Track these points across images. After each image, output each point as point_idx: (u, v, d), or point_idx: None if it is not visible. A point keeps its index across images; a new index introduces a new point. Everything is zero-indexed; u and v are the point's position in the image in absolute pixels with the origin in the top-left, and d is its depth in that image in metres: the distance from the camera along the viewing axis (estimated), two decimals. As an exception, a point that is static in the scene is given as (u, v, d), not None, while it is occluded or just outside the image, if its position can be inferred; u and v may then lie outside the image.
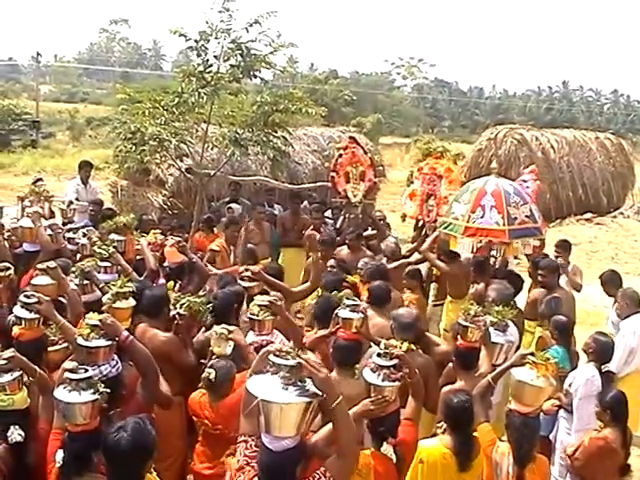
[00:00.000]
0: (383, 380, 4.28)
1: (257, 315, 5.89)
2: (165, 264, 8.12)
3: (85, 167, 12.59)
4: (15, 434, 4.25)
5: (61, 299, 6.29)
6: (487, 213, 8.40)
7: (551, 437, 6.79)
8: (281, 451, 3.34)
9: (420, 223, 10.70)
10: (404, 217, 11.22)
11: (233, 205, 12.27)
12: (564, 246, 10.00)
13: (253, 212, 11.53)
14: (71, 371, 4.05)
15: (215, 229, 10.86)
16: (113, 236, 8.46)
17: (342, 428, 3.57)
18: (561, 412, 6.71)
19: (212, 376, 5.17)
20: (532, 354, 5.04)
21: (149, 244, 8.26)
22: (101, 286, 6.78)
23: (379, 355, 4.38)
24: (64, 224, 9.57)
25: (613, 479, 5.50)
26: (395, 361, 4.36)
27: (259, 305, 5.93)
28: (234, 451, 5.03)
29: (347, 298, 6.19)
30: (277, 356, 3.50)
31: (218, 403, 5.23)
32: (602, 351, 6.56)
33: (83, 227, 9.21)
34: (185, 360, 5.86)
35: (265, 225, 11.36)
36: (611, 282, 8.77)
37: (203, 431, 5.39)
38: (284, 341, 5.93)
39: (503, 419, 5.03)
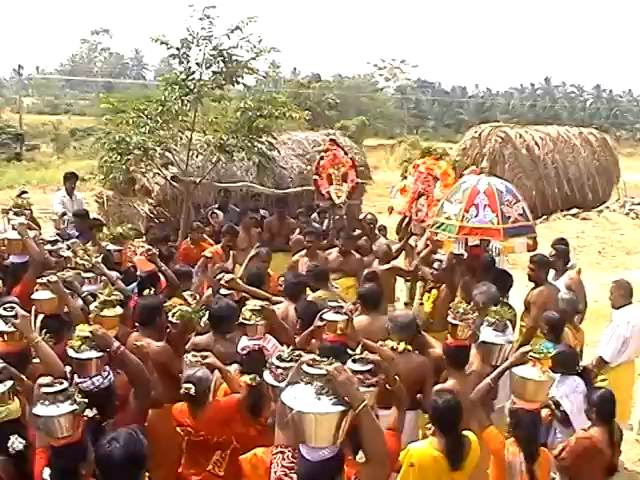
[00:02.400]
0: None
1: (249, 320, 5.83)
2: (137, 272, 8.15)
3: (70, 179, 12.53)
4: (16, 443, 4.24)
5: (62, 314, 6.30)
6: (481, 212, 8.37)
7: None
8: (319, 461, 3.30)
9: (406, 220, 10.66)
10: (391, 210, 11.22)
11: (217, 211, 12.29)
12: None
13: (243, 218, 11.50)
14: (46, 385, 4.00)
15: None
16: (110, 246, 8.50)
17: (369, 433, 3.51)
18: None
19: (192, 391, 5.17)
20: (532, 350, 5.06)
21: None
22: (84, 295, 6.79)
23: (354, 361, 4.26)
24: (57, 235, 9.52)
25: (599, 478, 5.50)
26: (370, 366, 4.23)
27: (251, 310, 5.89)
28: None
29: (330, 300, 6.19)
30: (310, 366, 3.46)
31: (199, 411, 5.26)
32: (566, 364, 6.46)
33: (67, 239, 9.19)
34: (178, 368, 5.81)
35: (253, 231, 11.35)
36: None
37: (187, 439, 5.41)
38: (277, 345, 5.94)
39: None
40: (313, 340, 6.15)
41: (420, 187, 10.43)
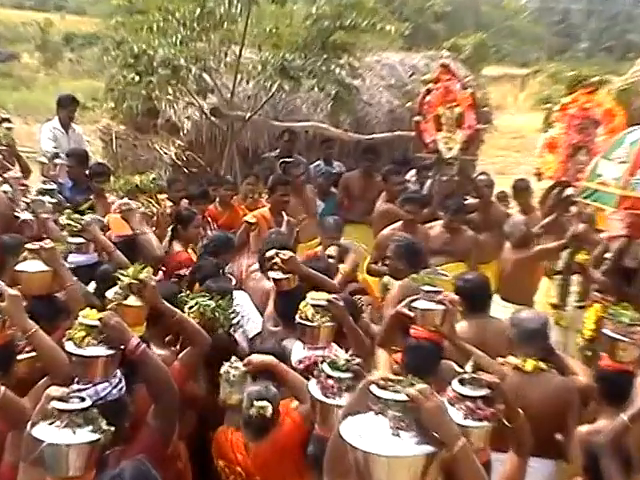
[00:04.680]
0: (465, 418, 4.01)
1: (311, 320, 5.73)
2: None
3: (68, 105, 12.46)
4: None
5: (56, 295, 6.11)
6: None
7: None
8: None
9: (557, 188, 10.49)
10: (539, 175, 11.14)
11: (299, 157, 12.40)
12: None
13: (292, 173, 11.19)
14: (60, 399, 3.79)
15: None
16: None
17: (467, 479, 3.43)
18: None
19: (269, 411, 5.10)
20: None
21: None
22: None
23: (462, 382, 4.11)
24: (44, 183, 9.59)
25: None
26: (486, 391, 4.07)
27: (313, 305, 5.77)
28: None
29: (428, 283, 5.90)
30: (382, 388, 3.33)
31: (257, 444, 5.23)
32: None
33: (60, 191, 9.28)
34: (191, 389, 5.74)
35: (308, 191, 11.32)
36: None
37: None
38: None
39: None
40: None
41: (575, 138, 10.30)
